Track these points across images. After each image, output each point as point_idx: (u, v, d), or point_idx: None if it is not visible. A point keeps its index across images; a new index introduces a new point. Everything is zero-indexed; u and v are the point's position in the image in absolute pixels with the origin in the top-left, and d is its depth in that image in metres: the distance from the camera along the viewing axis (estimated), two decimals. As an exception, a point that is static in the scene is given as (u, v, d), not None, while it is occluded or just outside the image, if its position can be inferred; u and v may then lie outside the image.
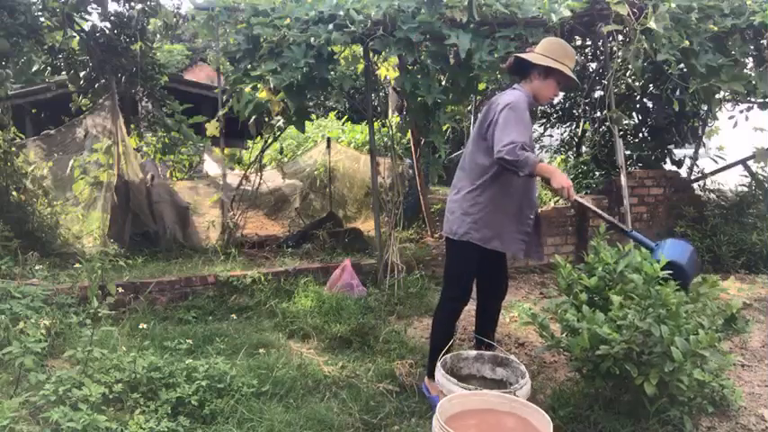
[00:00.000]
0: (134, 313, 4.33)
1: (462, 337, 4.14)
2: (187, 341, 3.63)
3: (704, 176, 7.40)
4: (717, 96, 5.64)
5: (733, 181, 7.35)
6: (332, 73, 5.05)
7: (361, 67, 5.88)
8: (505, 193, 3.01)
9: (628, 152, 7.05)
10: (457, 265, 3.16)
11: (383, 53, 4.84)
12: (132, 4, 6.19)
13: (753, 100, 6.38)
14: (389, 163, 5.88)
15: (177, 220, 6.18)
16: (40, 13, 5.67)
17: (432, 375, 3.01)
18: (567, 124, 8.32)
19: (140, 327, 3.88)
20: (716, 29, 4.98)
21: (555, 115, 8.38)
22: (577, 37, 6.33)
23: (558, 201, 7.03)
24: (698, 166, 7.57)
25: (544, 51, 3.08)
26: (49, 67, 6.46)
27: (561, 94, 8.32)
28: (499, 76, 5.61)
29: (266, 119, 5.88)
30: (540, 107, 8.47)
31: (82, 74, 6.34)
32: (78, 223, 5.70)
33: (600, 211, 3.10)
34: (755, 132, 6.62)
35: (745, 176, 7.17)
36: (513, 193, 3.02)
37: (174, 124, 6.87)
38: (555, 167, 2.90)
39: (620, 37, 5.78)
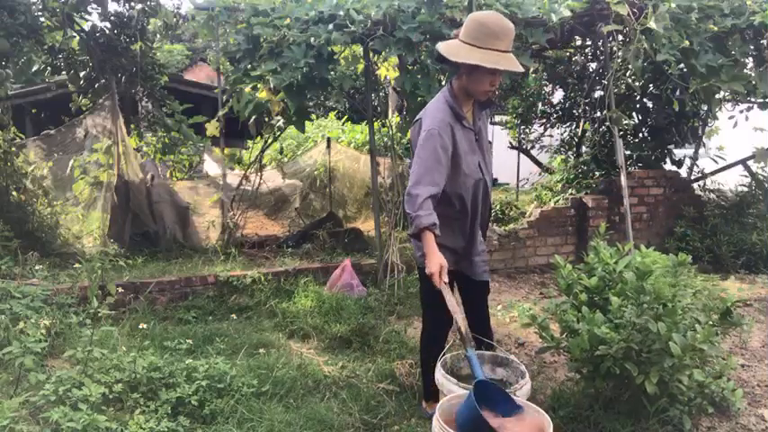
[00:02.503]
0: (134, 313, 4.33)
1: (462, 337, 4.14)
2: (187, 341, 3.63)
3: (704, 176, 7.40)
4: (717, 96, 5.64)
5: (733, 181, 7.35)
6: (332, 73, 5.05)
7: (361, 67, 5.88)
8: (451, 212, 2.63)
9: (628, 152, 7.05)
10: (423, 291, 2.83)
11: (383, 53, 4.83)
12: (132, 4, 6.20)
13: (753, 100, 6.38)
14: (389, 163, 5.88)
15: (177, 220, 6.18)
16: (40, 13, 5.67)
17: (428, 398, 2.89)
18: (567, 124, 8.32)
19: (140, 327, 3.88)
20: (716, 29, 4.97)
21: (555, 115, 8.38)
22: (577, 37, 6.33)
23: (557, 201, 7.03)
24: (698, 166, 7.57)
25: (465, 36, 2.45)
26: (49, 67, 6.46)
27: (561, 94, 8.33)
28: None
29: (266, 119, 5.88)
30: (540, 107, 8.48)
31: (82, 74, 6.34)
32: (78, 223, 5.70)
33: (458, 325, 2.37)
34: (755, 132, 6.62)
35: (745, 176, 7.17)
36: (461, 211, 2.64)
37: (174, 124, 6.87)
38: (434, 250, 2.37)
39: (620, 37, 5.78)
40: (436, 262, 2.36)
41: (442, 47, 2.53)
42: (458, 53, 2.45)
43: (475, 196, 2.67)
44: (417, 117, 2.69)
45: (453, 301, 2.39)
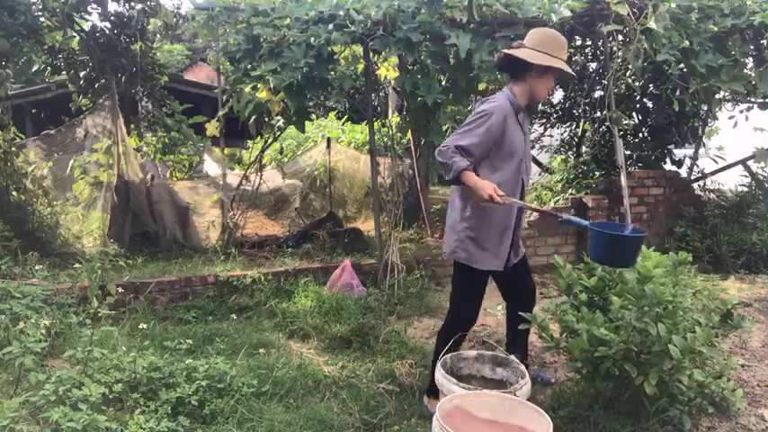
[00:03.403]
0: (134, 313, 4.33)
1: (462, 337, 4.14)
2: (187, 341, 3.63)
3: (704, 176, 7.40)
4: (717, 96, 5.65)
5: (733, 181, 7.35)
6: (332, 73, 5.05)
7: (361, 67, 5.88)
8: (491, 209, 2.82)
9: (628, 152, 7.05)
10: (457, 280, 3.00)
11: (383, 53, 4.84)
12: (132, 4, 6.19)
13: (753, 100, 6.38)
14: (389, 163, 5.88)
15: (177, 220, 6.17)
16: (40, 13, 5.67)
17: (431, 394, 2.95)
18: (567, 124, 8.32)
19: (140, 327, 3.88)
20: (716, 29, 4.98)
21: (555, 115, 8.37)
22: (577, 37, 6.33)
23: (557, 201, 7.03)
24: (698, 166, 7.57)
25: (537, 46, 2.84)
26: (49, 67, 6.46)
27: (561, 94, 8.33)
28: (499, 77, 5.61)
29: (266, 119, 5.88)
30: (540, 107, 8.47)
31: (82, 74, 6.34)
32: (78, 223, 5.69)
33: (529, 206, 2.94)
34: (755, 132, 6.62)
35: (745, 176, 7.17)
36: (499, 209, 2.83)
37: (174, 124, 6.86)
38: (478, 179, 2.69)
39: (620, 37, 5.78)
40: (486, 185, 2.64)
41: (517, 53, 2.85)
42: (541, 58, 2.81)
43: (513, 191, 2.88)
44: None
45: (517, 200, 2.82)
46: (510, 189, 2.83)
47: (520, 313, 2.87)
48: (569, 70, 2.87)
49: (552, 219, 2.88)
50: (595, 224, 2.67)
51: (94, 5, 5.97)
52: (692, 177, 7.43)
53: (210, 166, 9.16)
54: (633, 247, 2.54)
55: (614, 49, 6.13)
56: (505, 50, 2.93)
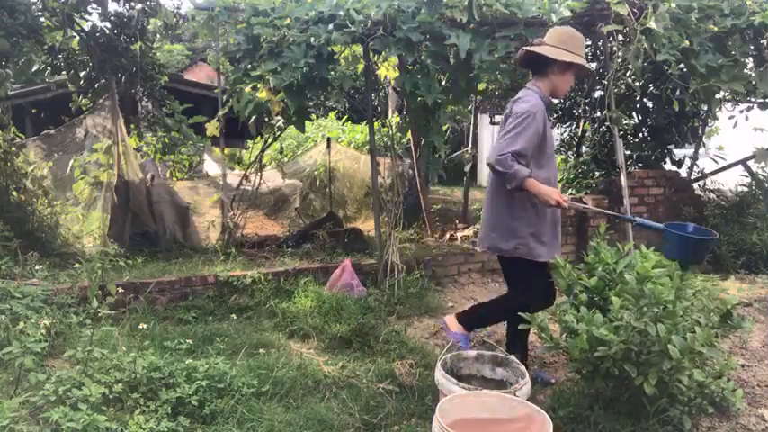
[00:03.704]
0: (134, 313, 4.33)
1: (462, 337, 4.14)
2: (187, 341, 3.63)
3: (704, 176, 7.40)
4: (717, 96, 5.64)
5: (733, 181, 7.35)
6: (332, 73, 5.05)
7: (361, 67, 5.87)
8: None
9: (628, 152, 7.05)
10: (524, 270, 3.17)
11: (383, 53, 4.83)
12: (132, 4, 6.19)
13: (753, 100, 6.37)
14: (389, 163, 5.87)
15: (177, 220, 6.17)
16: (40, 13, 5.67)
17: (461, 322, 3.20)
18: (567, 124, 8.32)
19: (140, 327, 3.88)
20: (716, 29, 4.97)
21: (555, 115, 8.37)
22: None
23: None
24: (698, 166, 7.57)
25: (558, 43, 2.96)
26: (49, 67, 6.45)
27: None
28: (499, 77, 5.60)
29: (266, 119, 5.87)
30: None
31: (82, 74, 6.33)
32: (78, 223, 5.69)
33: (600, 209, 3.12)
34: (755, 132, 6.61)
35: (745, 176, 7.17)
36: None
37: (174, 124, 6.86)
38: (542, 186, 2.83)
39: (620, 37, 5.77)
40: (552, 191, 2.83)
41: (539, 50, 2.94)
42: (565, 55, 2.91)
43: (555, 186, 3.05)
44: (510, 107, 3.07)
45: (582, 205, 3.20)
46: (554, 184, 3.02)
47: (519, 313, 2.88)
48: (589, 67, 3.05)
49: (624, 222, 3.08)
50: (668, 226, 2.88)
51: (94, 5, 5.97)
52: (692, 177, 7.43)
53: (210, 166, 9.16)
54: (708, 248, 2.90)
55: (614, 49, 6.13)
56: (527, 48, 3.04)
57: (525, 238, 3.03)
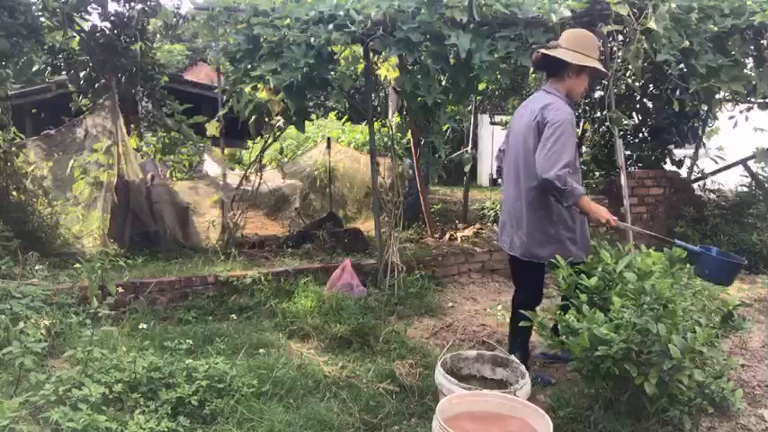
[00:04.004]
0: (134, 313, 4.33)
1: (462, 338, 4.15)
2: (187, 341, 3.63)
3: (704, 176, 7.39)
4: (717, 96, 5.64)
5: (733, 181, 7.35)
6: (332, 73, 5.05)
7: (361, 67, 5.87)
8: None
9: (628, 152, 7.05)
10: (533, 274, 3.32)
11: (383, 53, 4.83)
12: (132, 4, 6.19)
13: (753, 100, 6.36)
14: (389, 163, 5.87)
15: (177, 221, 6.17)
16: (40, 13, 5.67)
17: (523, 362, 3.10)
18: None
19: (140, 327, 3.88)
20: (716, 29, 4.97)
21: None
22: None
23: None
24: (698, 166, 7.56)
25: (573, 46, 2.97)
26: (49, 67, 6.45)
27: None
28: (499, 76, 5.60)
29: (266, 119, 5.87)
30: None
31: (82, 74, 6.33)
32: (78, 223, 5.69)
33: (643, 230, 3.29)
34: (755, 132, 6.61)
35: (745, 176, 7.17)
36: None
37: (174, 124, 6.86)
38: (594, 204, 2.99)
39: (620, 37, 5.77)
40: (602, 210, 2.99)
41: (555, 53, 2.97)
42: (581, 59, 2.94)
43: (580, 184, 3.12)
44: (536, 112, 3.05)
45: (630, 225, 3.52)
46: (580, 184, 3.10)
47: (520, 311, 2.90)
48: (604, 69, 3.06)
49: (665, 243, 3.13)
50: (704, 249, 3.16)
51: (94, 5, 5.97)
52: (692, 177, 7.43)
53: (210, 166, 9.15)
54: (739, 270, 3.20)
55: (614, 49, 6.13)
56: (542, 50, 3.07)
57: (563, 243, 3.14)
